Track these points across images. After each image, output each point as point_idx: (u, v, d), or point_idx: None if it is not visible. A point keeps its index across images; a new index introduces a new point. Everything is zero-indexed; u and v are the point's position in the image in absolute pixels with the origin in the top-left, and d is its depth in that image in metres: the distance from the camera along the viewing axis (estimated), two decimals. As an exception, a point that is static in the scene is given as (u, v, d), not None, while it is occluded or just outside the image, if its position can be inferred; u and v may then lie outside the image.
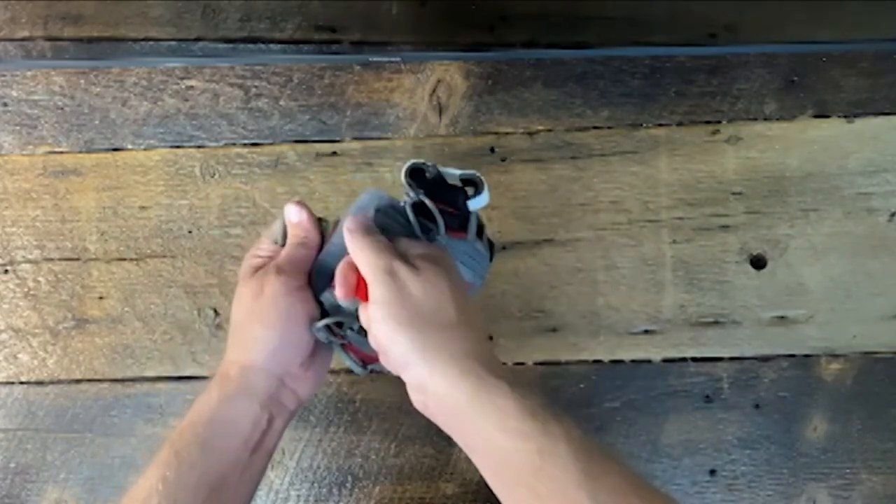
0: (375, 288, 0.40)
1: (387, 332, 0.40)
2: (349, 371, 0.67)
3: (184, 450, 0.40)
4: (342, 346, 0.46)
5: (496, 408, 0.37)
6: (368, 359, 0.46)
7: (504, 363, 0.40)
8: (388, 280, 0.40)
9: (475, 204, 0.47)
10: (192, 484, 0.39)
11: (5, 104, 0.68)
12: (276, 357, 0.42)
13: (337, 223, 0.48)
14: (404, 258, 0.41)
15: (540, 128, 0.68)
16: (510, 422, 0.37)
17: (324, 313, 0.45)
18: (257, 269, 0.46)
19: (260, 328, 0.42)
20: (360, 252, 0.41)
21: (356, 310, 0.43)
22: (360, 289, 0.42)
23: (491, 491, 0.66)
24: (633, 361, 0.67)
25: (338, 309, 0.44)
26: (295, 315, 0.42)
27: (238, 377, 0.42)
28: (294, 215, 0.46)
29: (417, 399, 0.41)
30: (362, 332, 0.44)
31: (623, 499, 0.36)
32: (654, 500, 0.38)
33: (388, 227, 0.44)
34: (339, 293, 0.41)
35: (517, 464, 0.37)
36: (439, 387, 0.39)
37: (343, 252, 0.43)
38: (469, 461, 0.66)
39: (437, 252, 0.43)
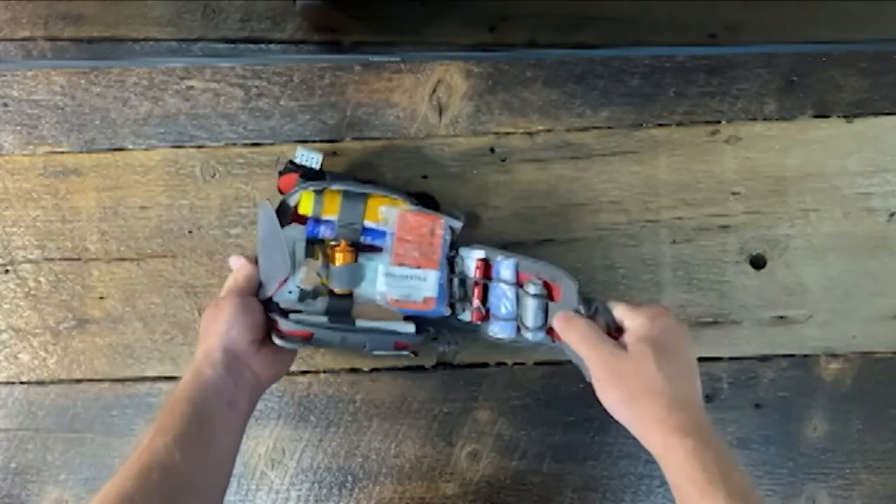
0: (598, 370, 0.53)
1: (608, 403, 0.52)
2: (349, 371, 0.67)
3: (178, 406, 0.52)
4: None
5: (683, 460, 0.48)
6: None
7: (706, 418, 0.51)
8: (605, 365, 0.52)
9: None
10: (186, 418, 0.51)
11: (6, 104, 0.68)
12: (229, 337, 0.55)
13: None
14: (615, 342, 0.54)
15: (540, 128, 0.68)
16: (686, 468, 0.48)
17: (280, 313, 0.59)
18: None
19: (218, 323, 0.55)
20: (580, 341, 0.54)
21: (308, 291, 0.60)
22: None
23: (491, 491, 0.66)
24: (632, 361, 0.67)
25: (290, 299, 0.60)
26: (242, 309, 0.56)
27: (203, 356, 0.55)
28: (233, 263, 0.60)
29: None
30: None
31: None
32: None
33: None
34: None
35: (686, 500, 0.48)
36: (649, 444, 0.51)
37: (267, 237, 0.59)
38: (469, 461, 0.66)
39: (647, 332, 0.53)
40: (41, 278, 0.68)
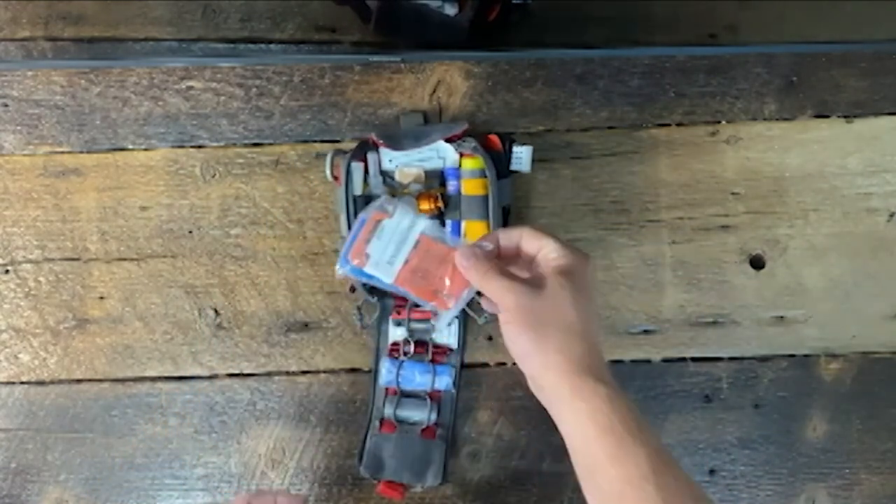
0: (512, 312, 0.47)
1: (518, 347, 0.47)
2: (349, 371, 0.67)
3: None
4: None
5: (590, 404, 0.45)
6: None
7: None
8: (520, 305, 0.47)
9: None
10: None
11: (6, 104, 0.68)
12: None
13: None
14: (526, 279, 0.48)
15: (540, 128, 0.68)
16: (600, 416, 0.45)
17: None
18: None
19: None
20: (486, 281, 0.48)
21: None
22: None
23: (491, 491, 0.66)
24: (632, 361, 0.67)
25: None
26: None
27: None
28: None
29: (533, 385, 0.49)
30: None
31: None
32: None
33: None
34: None
35: (598, 451, 0.45)
36: (551, 384, 0.47)
37: None
38: (469, 461, 0.66)
39: (566, 264, 0.48)
40: (41, 278, 0.68)
